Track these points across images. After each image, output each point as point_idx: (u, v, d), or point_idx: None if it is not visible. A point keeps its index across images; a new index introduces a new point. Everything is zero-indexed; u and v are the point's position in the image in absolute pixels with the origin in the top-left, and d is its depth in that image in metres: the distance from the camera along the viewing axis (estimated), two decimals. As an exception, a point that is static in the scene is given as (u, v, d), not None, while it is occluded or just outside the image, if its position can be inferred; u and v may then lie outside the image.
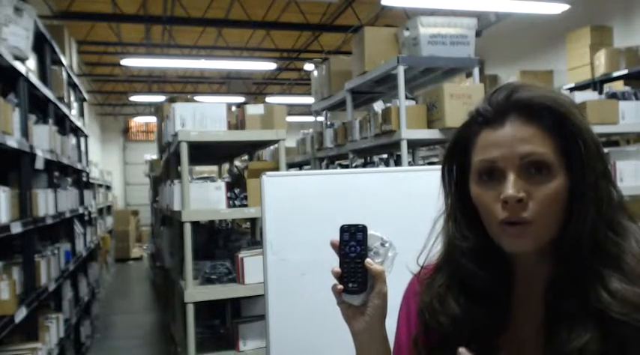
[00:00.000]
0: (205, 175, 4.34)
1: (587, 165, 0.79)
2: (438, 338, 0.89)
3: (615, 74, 6.09)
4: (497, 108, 0.83)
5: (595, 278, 0.79)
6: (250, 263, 3.20)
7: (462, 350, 0.82)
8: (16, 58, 3.15)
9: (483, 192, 0.84)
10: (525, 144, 0.80)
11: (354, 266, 0.93)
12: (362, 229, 0.95)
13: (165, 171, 4.74)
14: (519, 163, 0.80)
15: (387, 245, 0.96)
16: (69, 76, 5.23)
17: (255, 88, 14.48)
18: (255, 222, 4.45)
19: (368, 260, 0.94)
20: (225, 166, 6.24)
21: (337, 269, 0.94)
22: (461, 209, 0.91)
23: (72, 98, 5.54)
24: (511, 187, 0.79)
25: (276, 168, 3.46)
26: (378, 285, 0.93)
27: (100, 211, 9.68)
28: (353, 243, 0.94)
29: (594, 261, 0.80)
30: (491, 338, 0.86)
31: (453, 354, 0.87)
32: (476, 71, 4.18)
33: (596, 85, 6.25)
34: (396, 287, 1.02)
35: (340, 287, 0.93)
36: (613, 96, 4.49)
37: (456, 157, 0.91)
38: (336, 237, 0.96)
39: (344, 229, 0.95)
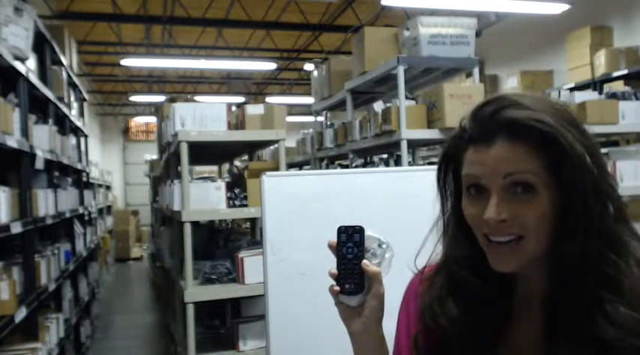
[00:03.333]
0: (205, 175, 4.35)
1: (574, 184, 0.78)
2: (438, 340, 0.89)
3: (615, 74, 6.08)
4: (482, 128, 0.82)
5: (591, 301, 0.78)
6: (250, 263, 3.20)
7: None
8: (16, 58, 3.15)
9: (470, 205, 0.84)
10: (509, 163, 0.79)
11: (351, 267, 0.94)
12: (359, 230, 0.95)
13: (165, 171, 4.74)
14: (502, 183, 0.79)
15: (384, 246, 0.96)
16: (69, 76, 5.23)
17: (255, 88, 14.49)
18: (255, 222, 4.45)
19: (365, 261, 0.94)
20: (225, 166, 6.24)
21: (334, 270, 0.94)
22: (456, 217, 0.90)
23: (72, 98, 5.54)
24: (492, 211, 0.79)
25: (276, 168, 3.46)
26: (374, 286, 0.93)
27: (100, 211, 9.68)
28: (350, 244, 0.94)
29: (590, 282, 0.78)
30: (491, 342, 0.86)
31: None
32: (476, 71, 4.18)
33: (596, 85, 6.25)
34: (396, 288, 1.02)
35: (337, 288, 0.93)
36: (613, 96, 4.48)
37: (449, 166, 0.91)
38: (333, 240, 0.96)
39: (341, 230, 0.96)
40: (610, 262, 0.78)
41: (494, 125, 0.81)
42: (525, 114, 0.79)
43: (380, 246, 0.96)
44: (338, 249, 0.95)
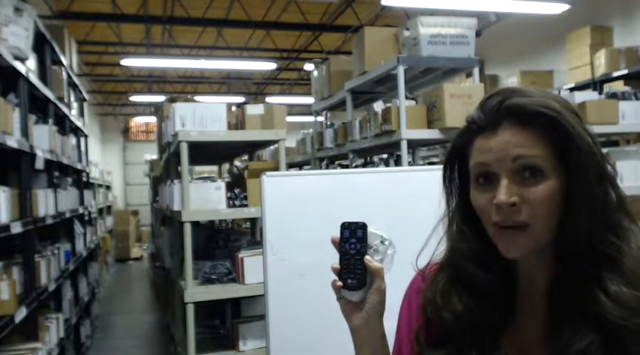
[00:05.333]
0: (205, 175, 4.35)
1: (580, 168, 0.80)
2: (440, 334, 0.90)
3: (615, 74, 6.08)
4: (489, 116, 0.84)
5: (593, 282, 0.79)
6: (250, 263, 3.20)
7: None
8: (16, 58, 3.15)
9: (479, 195, 0.85)
10: (517, 147, 0.81)
11: (353, 262, 0.95)
12: (362, 227, 0.96)
13: (165, 171, 4.74)
14: (512, 167, 0.81)
15: (386, 243, 0.97)
16: (69, 76, 5.23)
17: (255, 87, 14.48)
18: (255, 222, 4.45)
19: (367, 257, 0.95)
20: (225, 166, 6.24)
21: (337, 265, 0.95)
22: (462, 212, 0.92)
23: (72, 98, 5.54)
24: (503, 192, 0.80)
25: (276, 168, 3.46)
26: (376, 282, 0.95)
27: (100, 211, 9.68)
28: (353, 240, 0.96)
29: (592, 264, 0.80)
30: (494, 336, 0.87)
31: (453, 350, 0.87)
32: (476, 71, 4.18)
33: (596, 85, 6.25)
34: (396, 287, 1.02)
35: (340, 283, 0.94)
36: (613, 96, 4.48)
37: (456, 162, 0.93)
38: (336, 236, 0.97)
39: (344, 226, 0.97)
40: (611, 244, 0.80)
41: (501, 112, 0.83)
42: (532, 101, 0.82)
43: (382, 242, 0.97)
44: (341, 245, 0.96)
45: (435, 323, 0.91)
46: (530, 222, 0.80)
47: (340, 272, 0.95)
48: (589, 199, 0.80)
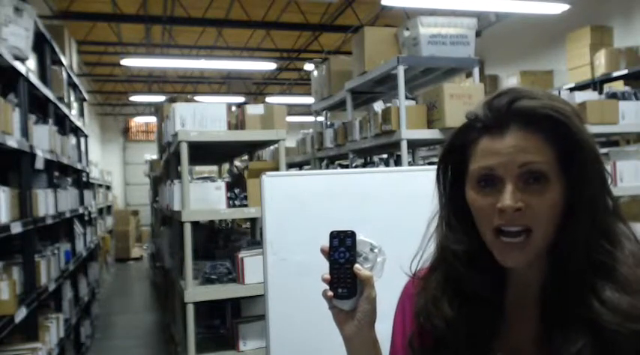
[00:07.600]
0: (205, 175, 4.35)
1: (585, 177, 0.79)
2: (433, 340, 0.90)
3: (615, 74, 6.09)
4: (497, 116, 0.82)
5: (587, 288, 0.79)
6: (250, 263, 3.21)
7: None
8: (16, 58, 3.15)
9: (480, 198, 0.84)
10: (524, 153, 0.80)
11: (343, 271, 0.94)
12: (351, 235, 0.95)
13: (165, 171, 4.74)
14: (518, 172, 0.80)
15: (376, 250, 0.96)
16: (69, 76, 5.23)
17: (255, 88, 14.48)
18: (255, 222, 4.45)
19: (357, 265, 0.94)
20: (225, 166, 6.24)
21: (327, 275, 0.95)
22: (455, 211, 0.91)
23: (72, 98, 5.54)
24: (509, 198, 0.79)
25: (276, 168, 3.46)
26: (366, 290, 0.94)
27: (100, 211, 9.68)
28: (342, 248, 0.95)
29: (587, 271, 0.80)
30: (487, 341, 0.86)
31: None
32: (476, 71, 4.18)
33: (596, 85, 6.25)
34: (393, 291, 1.02)
35: (330, 293, 0.94)
36: (613, 96, 4.48)
37: (453, 159, 0.91)
38: (326, 246, 0.97)
39: (333, 235, 0.96)
40: (606, 251, 0.80)
41: (510, 114, 0.81)
42: (542, 103, 0.81)
43: (372, 250, 0.96)
44: (330, 254, 0.95)
45: (428, 329, 0.90)
46: (532, 227, 0.80)
47: (331, 282, 0.94)
48: (591, 207, 0.79)
